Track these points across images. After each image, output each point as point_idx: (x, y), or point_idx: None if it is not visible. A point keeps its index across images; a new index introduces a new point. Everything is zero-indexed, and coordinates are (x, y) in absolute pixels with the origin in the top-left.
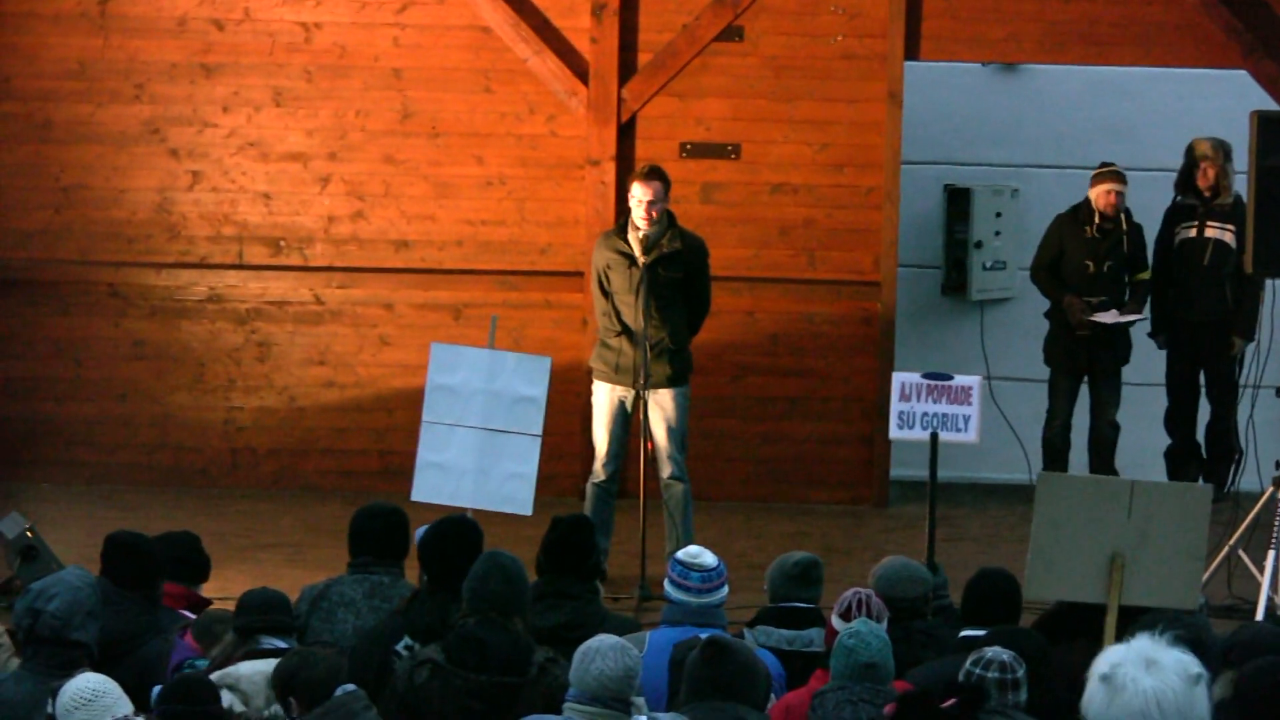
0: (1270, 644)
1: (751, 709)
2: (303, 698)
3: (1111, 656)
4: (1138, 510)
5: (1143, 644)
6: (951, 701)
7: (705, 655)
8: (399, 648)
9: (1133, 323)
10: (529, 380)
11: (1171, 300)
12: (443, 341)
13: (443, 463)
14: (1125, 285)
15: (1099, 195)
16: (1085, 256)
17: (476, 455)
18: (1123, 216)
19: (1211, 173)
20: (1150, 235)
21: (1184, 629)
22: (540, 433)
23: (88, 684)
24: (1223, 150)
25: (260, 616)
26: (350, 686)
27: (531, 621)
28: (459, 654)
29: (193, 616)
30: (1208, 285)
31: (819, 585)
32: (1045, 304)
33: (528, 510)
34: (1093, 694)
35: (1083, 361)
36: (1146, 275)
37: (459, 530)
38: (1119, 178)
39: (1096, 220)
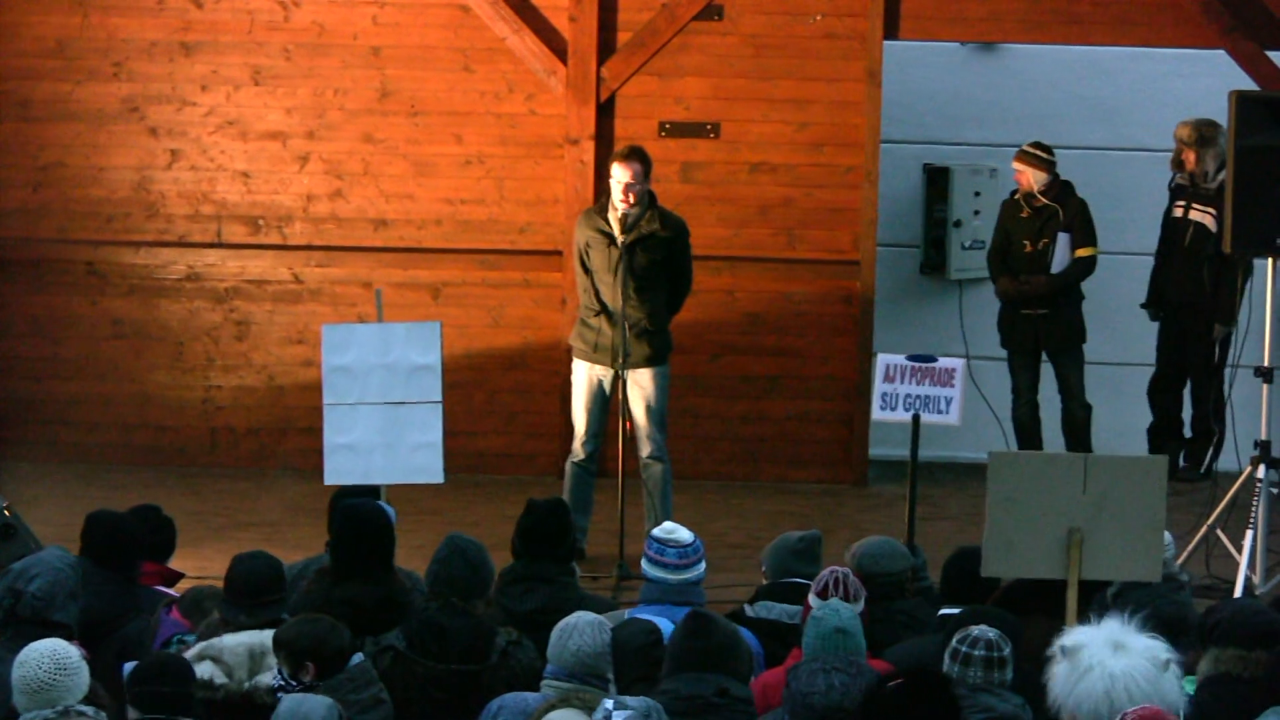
0: (1248, 619)
1: (734, 680)
2: (324, 666)
3: (1079, 636)
4: (1093, 484)
5: (1112, 627)
6: (898, 681)
7: (689, 627)
8: None
9: (1055, 290)
10: (422, 348)
11: (1161, 278)
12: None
13: (350, 443)
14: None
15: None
16: (1023, 236)
17: (381, 431)
18: (1043, 195)
19: (1191, 157)
20: (1095, 213)
21: (1170, 606)
22: (440, 399)
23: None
24: (1199, 134)
25: (249, 600)
26: (360, 657)
27: (508, 605)
28: (420, 641)
29: (173, 592)
30: (1187, 267)
31: (819, 562)
32: None
33: (439, 478)
34: (1056, 671)
35: (1031, 339)
36: (1087, 252)
37: (360, 517)
38: (1023, 158)
39: (1019, 197)
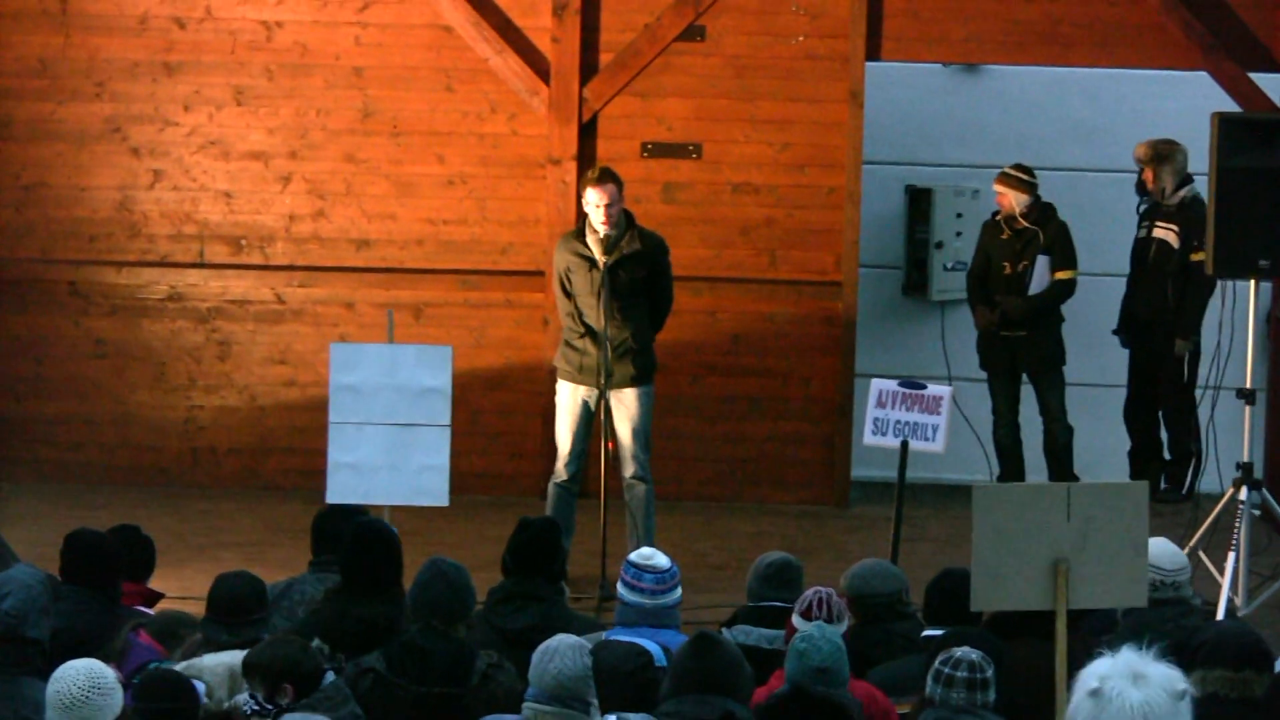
0: (1235, 640)
1: (737, 703)
2: (301, 687)
3: (1099, 669)
4: (1076, 513)
5: (1129, 657)
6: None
7: (693, 649)
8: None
9: (1033, 313)
10: (432, 371)
11: (1127, 299)
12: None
13: (354, 463)
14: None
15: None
16: (1003, 258)
17: (386, 451)
18: (1023, 217)
19: (1149, 174)
20: (1076, 234)
21: (1179, 631)
22: (448, 422)
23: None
24: (1155, 152)
25: (231, 618)
26: (332, 676)
27: (498, 623)
28: (400, 663)
29: (149, 611)
30: (1151, 284)
31: (795, 586)
32: None
33: (444, 501)
34: (1079, 707)
35: (1008, 361)
36: (1066, 275)
37: (372, 534)
38: (1004, 179)
39: (1000, 219)
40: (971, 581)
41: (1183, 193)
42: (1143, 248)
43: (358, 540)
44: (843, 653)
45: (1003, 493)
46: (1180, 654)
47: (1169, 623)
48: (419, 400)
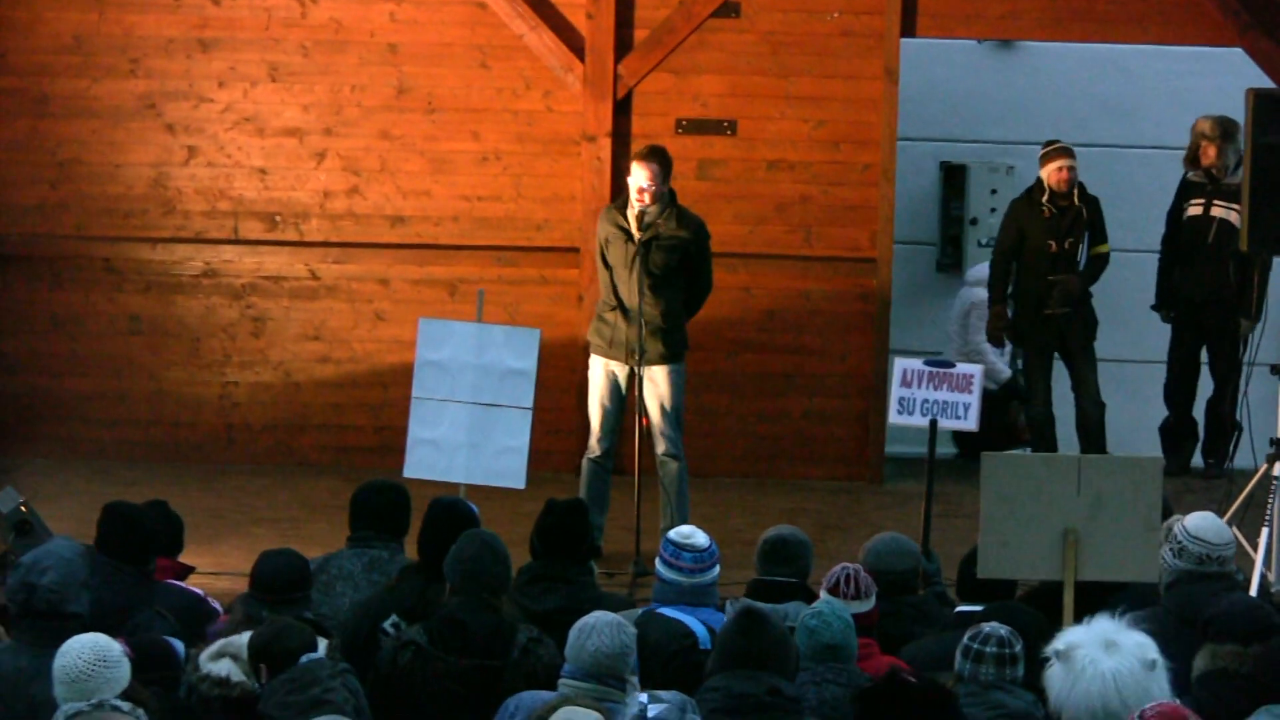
0: (1245, 615)
1: (784, 679)
2: (275, 667)
3: (1070, 637)
4: (1087, 485)
5: (1103, 625)
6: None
7: (740, 625)
8: (386, 625)
9: (1085, 289)
10: (518, 353)
11: (1177, 277)
12: (435, 317)
13: (434, 439)
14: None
15: (1050, 173)
16: (1046, 236)
17: (468, 430)
18: (1076, 191)
19: (1212, 151)
20: (1112, 211)
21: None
22: (531, 405)
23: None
24: (1222, 128)
25: (273, 596)
26: (317, 655)
27: (526, 604)
28: (441, 637)
29: (182, 585)
30: (1212, 264)
31: (798, 561)
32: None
33: (521, 484)
34: (1052, 674)
35: (1051, 339)
36: (1105, 249)
37: (453, 513)
38: (1068, 153)
39: (1046, 198)
40: (979, 549)
41: (1240, 173)
42: (1200, 226)
43: (439, 519)
44: (852, 629)
45: (1012, 462)
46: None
47: (1215, 598)
48: (504, 381)
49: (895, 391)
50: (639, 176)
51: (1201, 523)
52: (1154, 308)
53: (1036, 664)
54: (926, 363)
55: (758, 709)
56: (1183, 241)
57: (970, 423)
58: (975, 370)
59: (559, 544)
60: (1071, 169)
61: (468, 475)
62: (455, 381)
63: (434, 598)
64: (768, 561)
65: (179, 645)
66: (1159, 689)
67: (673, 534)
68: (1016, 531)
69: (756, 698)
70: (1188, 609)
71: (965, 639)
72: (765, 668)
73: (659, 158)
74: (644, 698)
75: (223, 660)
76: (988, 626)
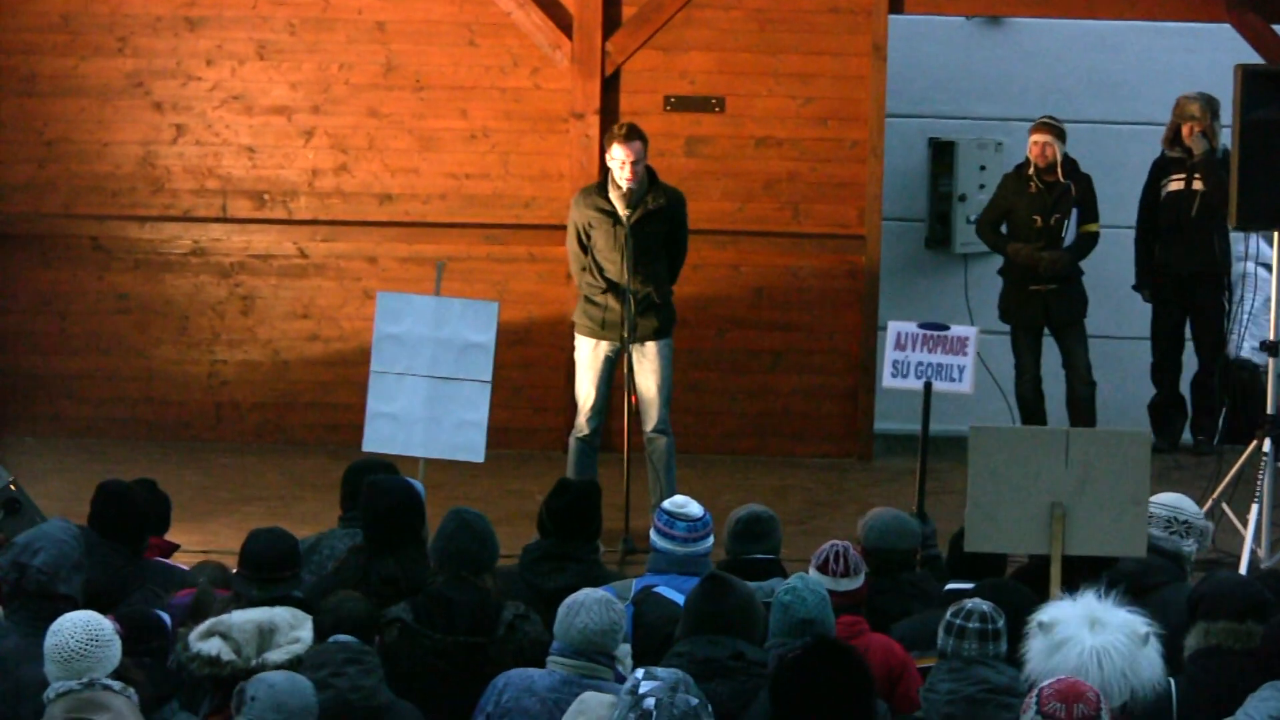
0: (1238, 591)
1: (749, 644)
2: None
3: (1055, 611)
4: (1075, 459)
5: (1089, 602)
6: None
7: (705, 590)
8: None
9: (1072, 265)
10: (477, 326)
11: (1159, 253)
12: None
13: (393, 413)
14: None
15: (1031, 147)
16: (1032, 211)
17: (426, 404)
18: (1059, 169)
19: (1198, 130)
20: (1101, 187)
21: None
22: (490, 379)
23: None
24: (1210, 108)
25: (262, 575)
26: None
27: (535, 582)
28: (427, 614)
29: (168, 562)
30: (1196, 237)
31: (772, 537)
32: None
33: (480, 457)
34: (1032, 645)
35: (1039, 315)
36: (1094, 227)
37: (390, 488)
38: (1050, 129)
39: (1032, 172)
40: (965, 522)
41: (1224, 145)
42: (1181, 201)
43: (375, 497)
44: (827, 603)
45: (1000, 435)
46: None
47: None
48: (463, 355)
49: (889, 355)
50: (624, 155)
51: (1176, 501)
52: (1135, 288)
53: (1023, 640)
54: (920, 325)
55: (722, 673)
56: (1163, 217)
57: (965, 385)
58: (970, 332)
59: (572, 525)
60: (1049, 145)
61: (426, 449)
62: (414, 355)
63: (376, 576)
64: (742, 540)
65: (167, 617)
66: (1149, 662)
67: (667, 504)
68: (1004, 505)
69: (720, 662)
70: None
71: (948, 615)
72: (729, 632)
73: (640, 135)
74: (639, 673)
75: (213, 639)
76: (970, 603)
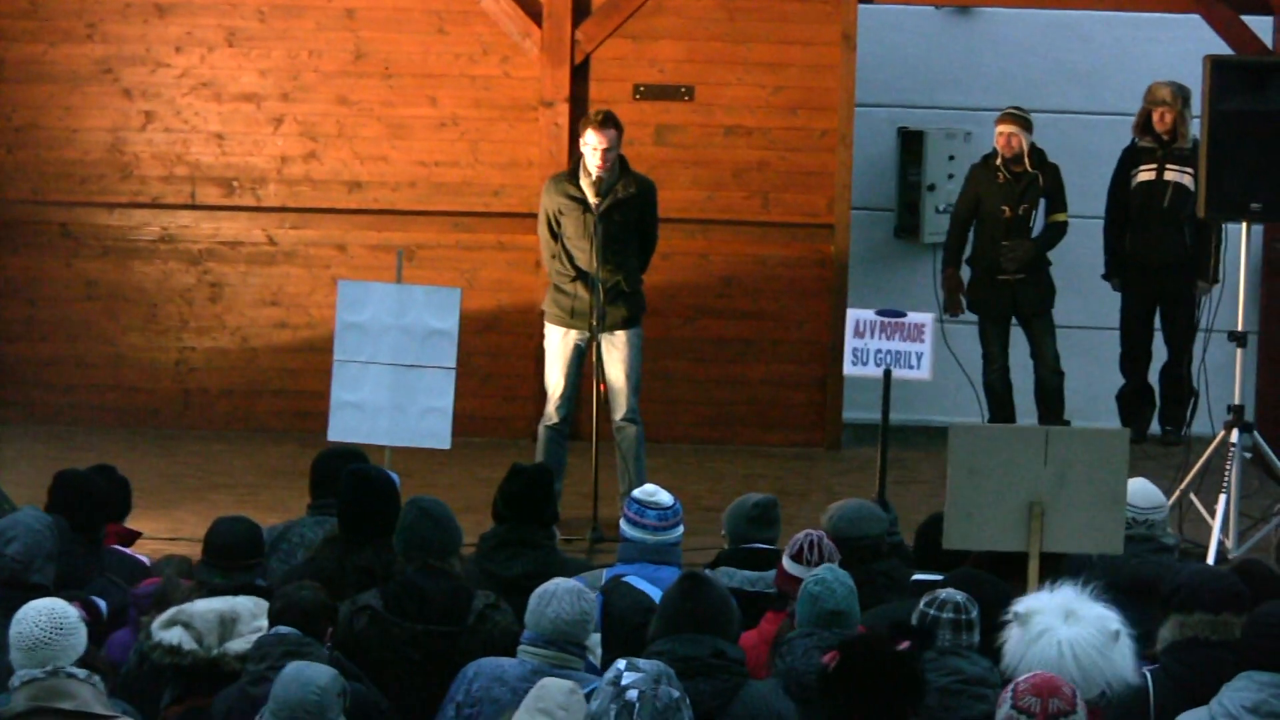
0: (1212, 583)
1: (728, 641)
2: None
3: (1031, 602)
4: (1054, 457)
5: (1066, 594)
6: (906, 644)
7: (683, 588)
8: None
9: (1039, 255)
10: (439, 313)
11: (1129, 243)
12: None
13: (358, 402)
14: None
15: (996, 138)
16: (1000, 202)
17: (391, 392)
18: (1027, 159)
19: (1169, 117)
20: (1070, 177)
21: (1147, 567)
22: (454, 365)
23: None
24: (1181, 96)
25: (226, 562)
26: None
27: (493, 570)
28: (397, 602)
29: (127, 551)
30: (1167, 228)
31: (777, 525)
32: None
33: (446, 444)
34: (1009, 637)
35: (1006, 305)
36: (1062, 217)
37: (369, 481)
38: (1015, 120)
39: (1000, 162)
40: (944, 519)
41: (1194, 135)
42: (1153, 190)
43: (355, 488)
44: (855, 595)
45: (979, 432)
46: (1145, 591)
47: (1136, 559)
48: (425, 342)
49: (849, 343)
50: (598, 142)
51: (1131, 487)
52: (1104, 277)
53: (995, 630)
54: (878, 312)
55: (704, 671)
56: (1134, 207)
57: (923, 372)
58: (927, 319)
59: (524, 509)
60: (1014, 135)
61: (392, 438)
62: (377, 343)
63: (352, 566)
64: (756, 525)
65: (102, 603)
66: (1122, 658)
67: (637, 492)
68: (982, 502)
69: (701, 660)
70: (1113, 572)
71: (921, 605)
72: (708, 630)
73: (615, 123)
74: (621, 664)
75: (174, 628)
76: (943, 593)
